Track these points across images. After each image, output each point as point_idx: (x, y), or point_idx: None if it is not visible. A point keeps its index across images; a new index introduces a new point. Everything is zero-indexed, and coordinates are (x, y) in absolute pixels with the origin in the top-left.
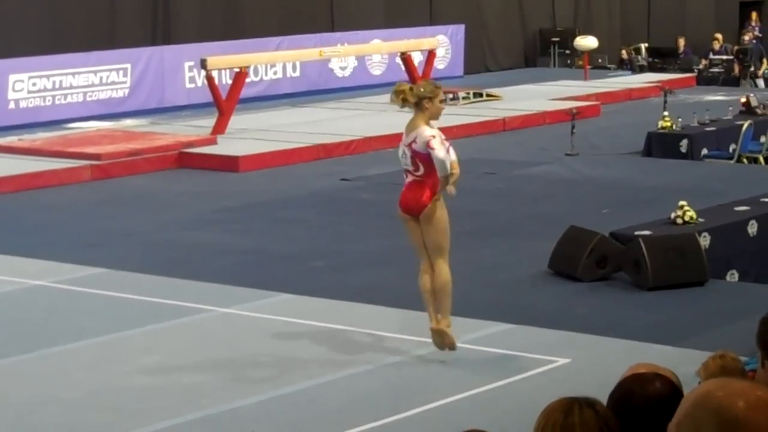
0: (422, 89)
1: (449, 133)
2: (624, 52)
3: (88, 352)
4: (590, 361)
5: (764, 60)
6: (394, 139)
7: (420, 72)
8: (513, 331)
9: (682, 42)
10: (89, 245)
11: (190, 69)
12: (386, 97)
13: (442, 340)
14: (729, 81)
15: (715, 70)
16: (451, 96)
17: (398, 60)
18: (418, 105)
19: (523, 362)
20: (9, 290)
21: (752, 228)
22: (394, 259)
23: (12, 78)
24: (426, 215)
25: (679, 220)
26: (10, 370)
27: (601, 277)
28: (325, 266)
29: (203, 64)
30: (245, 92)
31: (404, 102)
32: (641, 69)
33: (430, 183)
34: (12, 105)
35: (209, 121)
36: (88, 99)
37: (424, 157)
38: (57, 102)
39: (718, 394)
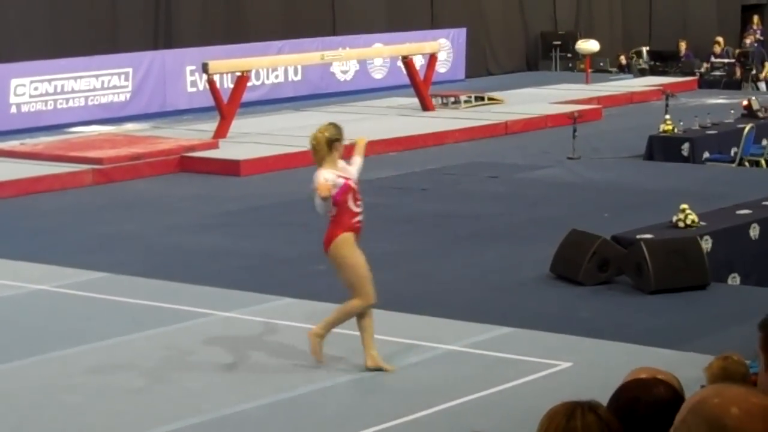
0: (328, 133)
1: (451, 137)
2: (623, 57)
3: (89, 356)
4: (592, 365)
5: (766, 63)
6: (395, 143)
7: (422, 76)
8: (515, 335)
9: (683, 45)
10: (91, 249)
11: (192, 73)
12: (388, 101)
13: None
14: (731, 84)
15: (717, 73)
16: (453, 100)
17: (400, 64)
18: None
19: (525, 366)
20: (11, 294)
21: (754, 231)
22: (394, 263)
23: (14, 82)
24: (329, 254)
25: (681, 224)
26: (11, 374)
27: (603, 280)
28: (326, 270)
29: (205, 68)
30: (247, 96)
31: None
32: (642, 72)
33: (337, 222)
34: (14, 109)
35: (211, 125)
36: (90, 103)
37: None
38: (59, 106)
39: (713, 400)
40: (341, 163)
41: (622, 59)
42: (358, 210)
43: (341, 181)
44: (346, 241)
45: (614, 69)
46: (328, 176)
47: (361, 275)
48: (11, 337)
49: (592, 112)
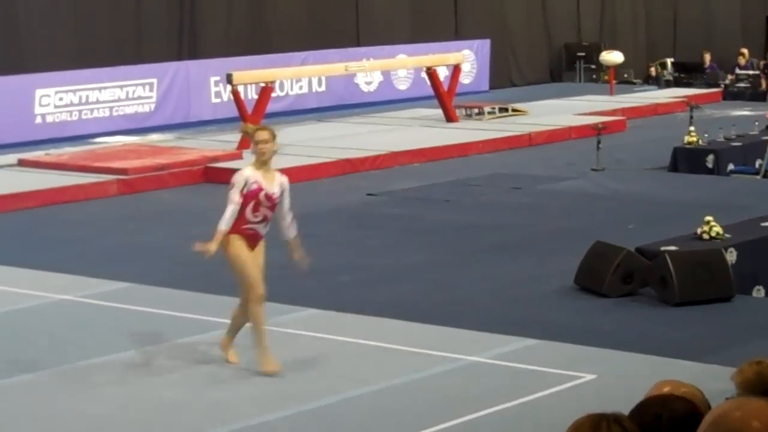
0: (246, 129)
1: (475, 148)
2: (652, 69)
3: (114, 366)
4: (616, 377)
5: None
6: (419, 154)
7: (446, 87)
8: (539, 347)
9: (707, 57)
10: (115, 259)
11: (216, 84)
12: (412, 112)
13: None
14: (755, 96)
15: (742, 84)
16: (476, 111)
17: (424, 75)
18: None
19: (549, 378)
20: (35, 304)
21: None
22: (420, 274)
23: (39, 93)
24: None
25: (706, 236)
26: (36, 385)
27: (627, 292)
28: (351, 281)
29: (229, 79)
30: (271, 107)
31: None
32: (667, 84)
33: (235, 222)
34: (39, 120)
35: (235, 136)
36: (115, 114)
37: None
38: (83, 117)
39: (735, 414)
40: (278, 175)
41: (652, 71)
42: (252, 219)
43: (254, 186)
44: (231, 242)
45: (639, 80)
46: (247, 174)
47: (245, 274)
48: (35, 347)
49: (617, 123)
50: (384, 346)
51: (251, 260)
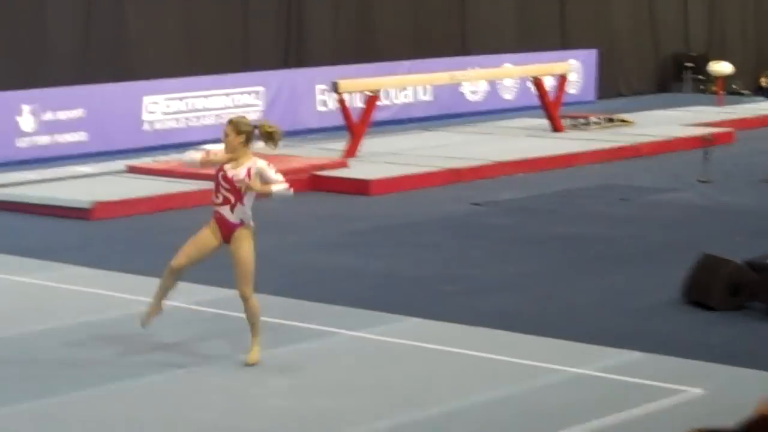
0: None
1: (581, 158)
2: (762, 80)
3: (220, 373)
4: (723, 392)
5: None
6: (525, 164)
7: (552, 96)
8: (645, 360)
9: None
10: (221, 267)
11: (322, 92)
12: (518, 122)
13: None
14: None
15: None
16: (582, 121)
17: (530, 84)
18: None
19: (655, 391)
20: (143, 311)
21: None
22: (525, 285)
23: (147, 100)
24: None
25: None
26: (143, 391)
27: (735, 306)
28: (455, 291)
29: (335, 88)
30: (376, 115)
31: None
32: None
33: None
34: (147, 126)
35: (340, 145)
36: (221, 121)
37: None
38: (191, 124)
39: None
40: (252, 161)
41: (762, 81)
42: (215, 200)
43: (215, 168)
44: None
45: (748, 91)
46: (219, 157)
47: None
48: (142, 353)
49: (725, 135)
50: (488, 357)
51: (198, 236)
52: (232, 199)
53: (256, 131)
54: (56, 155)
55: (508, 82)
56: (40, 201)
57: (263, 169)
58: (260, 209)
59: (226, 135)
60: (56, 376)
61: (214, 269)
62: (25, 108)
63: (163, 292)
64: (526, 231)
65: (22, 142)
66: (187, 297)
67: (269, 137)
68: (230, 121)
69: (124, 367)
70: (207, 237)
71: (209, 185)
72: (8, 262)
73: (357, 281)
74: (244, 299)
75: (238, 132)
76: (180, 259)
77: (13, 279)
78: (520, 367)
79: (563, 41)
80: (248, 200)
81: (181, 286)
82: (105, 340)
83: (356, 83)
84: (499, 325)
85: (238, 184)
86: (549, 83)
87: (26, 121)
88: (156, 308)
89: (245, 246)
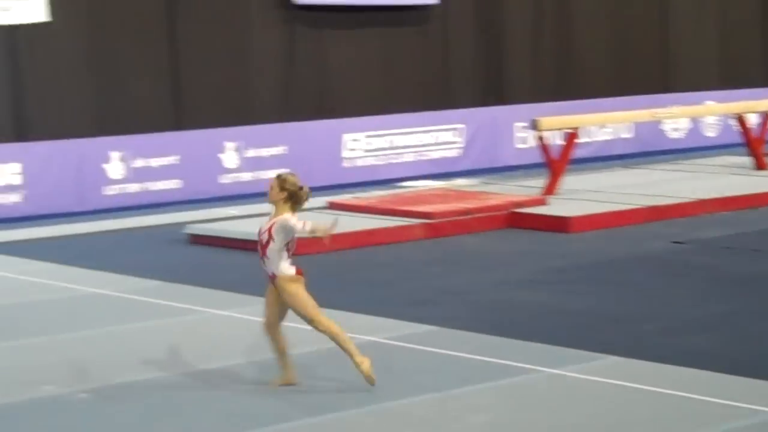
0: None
1: None
2: None
3: (418, 408)
4: None
5: None
6: (729, 202)
7: (755, 134)
8: None
9: None
10: (420, 302)
11: (522, 129)
12: (720, 159)
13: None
14: None
15: None
16: None
17: (732, 121)
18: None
19: None
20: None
21: None
22: (727, 324)
23: (346, 137)
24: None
25: None
26: (339, 425)
27: None
28: (655, 329)
29: (535, 125)
30: (576, 153)
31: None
32: None
33: None
34: (347, 163)
35: (540, 182)
36: (422, 158)
37: None
38: (391, 161)
39: None
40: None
41: None
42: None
43: None
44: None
45: None
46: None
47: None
48: (340, 389)
49: None
50: (689, 397)
51: (266, 292)
52: (260, 252)
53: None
54: (258, 191)
55: (710, 119)
56: (242, 236)
57: (285, 219)
58: (454, 244)
59: (271, 188)
60: (261, 405)
61: (415, 305)
62: (229, 145)
63: (279, 351)
64: (728, 270)
65: (225, 179)
66: (388, 332)
67: (291, 196)
68: (278, 176)
69: (321, 406)
70: (269, 292)
71: (409, 222)
72: (210, 295)
73: (556, 318)
74: (322, 332)
75: (282, 188)
76: (264, 318)
77: (215, 313)
78: (720, 408)
79: (767, 78)
80: (272, 253)
81: (381, 321)
82: (306, 373)
83: (556, 121)
84: (700, 365)
85: (261, 237)
86: (752, 120)
87: (229, 157)
88: (287, 366)
89: (286, 296)
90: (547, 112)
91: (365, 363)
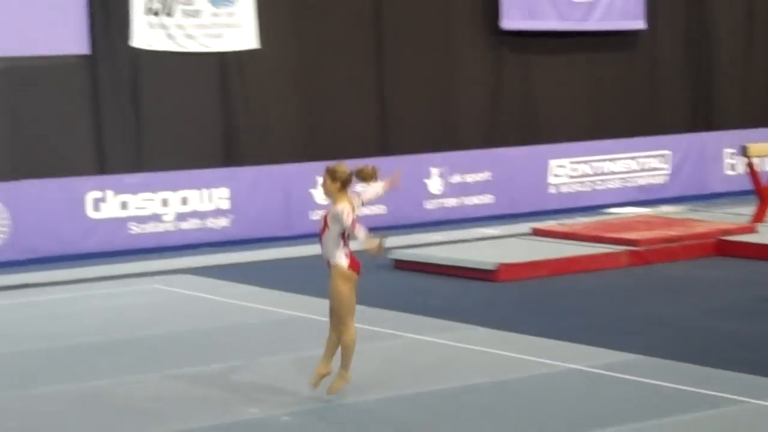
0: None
1: None
2: None
3: None
4: None
5: None
6: None
7: None
8: None
9: None
10: (623, 331)
11: (731, 156)
12: None
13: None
14: None
15: None
16: None
17: None
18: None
19: None
20: (545, 372)
21: None
22: None
23: (552, 163)
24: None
25: None
26: None
27: None
28: None
29: (744, 151)
30: None
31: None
32: None
33: None
34: (552, 189)
35: (749, 209)
36: (627, 185)
37: None
38: (596, 188)
39: None
40: (334, 207)
41: None
42: None
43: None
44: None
45: None
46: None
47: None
48: (539, 417)
49: None
50: None
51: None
52: (319, 239)
53: (353, 176)
54: (463, 217)
55: None
56: (446, 262)
57: (339, 210)
58: (660, 272)
59: (324, 183)
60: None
61: (619, 333)
62: (434, 171)
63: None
64: None
65: (430, 204)
66: (590, 360)
67: (359, 175)
68: (327, 169)
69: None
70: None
71: (614, 249)
72: (414, 321)
73: (763, 349)
74: (338, 333)
75: (333, 179)
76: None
77: (417, 338)
78: None
79: None
80: (328, 241)
81: (583, 349)
82: (501, 401)
83: (766, 147)
84: None
85: (320, 224)
86: None
87: (434, 183)
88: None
89: (332, 285)
90: (757, 138)
91: (347, 380)
